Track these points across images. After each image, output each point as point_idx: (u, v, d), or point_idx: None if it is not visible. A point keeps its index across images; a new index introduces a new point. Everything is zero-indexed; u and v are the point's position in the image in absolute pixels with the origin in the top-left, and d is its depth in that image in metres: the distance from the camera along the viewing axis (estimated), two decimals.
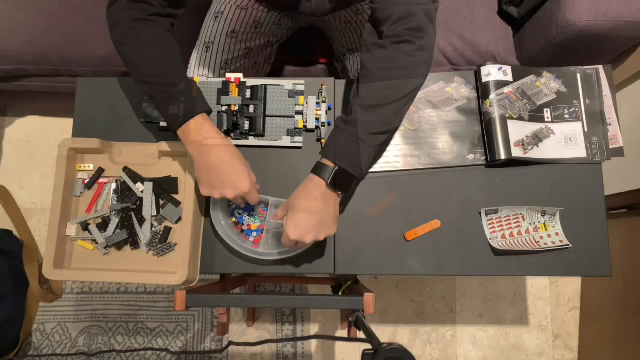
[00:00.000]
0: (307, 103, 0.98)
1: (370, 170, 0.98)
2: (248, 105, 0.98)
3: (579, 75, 1.02)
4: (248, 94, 0.99)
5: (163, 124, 0.99)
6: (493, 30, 1.38)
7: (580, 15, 1.13)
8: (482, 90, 1.00)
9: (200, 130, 0.82)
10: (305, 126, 0.98)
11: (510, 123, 0.96)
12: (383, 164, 0.99)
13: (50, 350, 1.73)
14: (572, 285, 1.78)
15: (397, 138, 1.00)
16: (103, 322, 1.75)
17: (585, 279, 1.76)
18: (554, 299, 1.78)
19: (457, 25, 1.38)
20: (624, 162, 1.39)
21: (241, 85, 0.99)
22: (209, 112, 0.85)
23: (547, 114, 1.00)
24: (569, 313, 1.77)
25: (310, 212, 0.79)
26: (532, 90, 1.01)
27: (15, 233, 1.74)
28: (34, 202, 1.84)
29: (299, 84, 1.00)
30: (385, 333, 1.76)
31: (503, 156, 0.94)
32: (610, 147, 0.99)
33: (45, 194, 1.85)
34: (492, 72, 0.99)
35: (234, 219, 0.96)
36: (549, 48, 1.25)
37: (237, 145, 0.97)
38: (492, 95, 0.98)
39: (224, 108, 0.98)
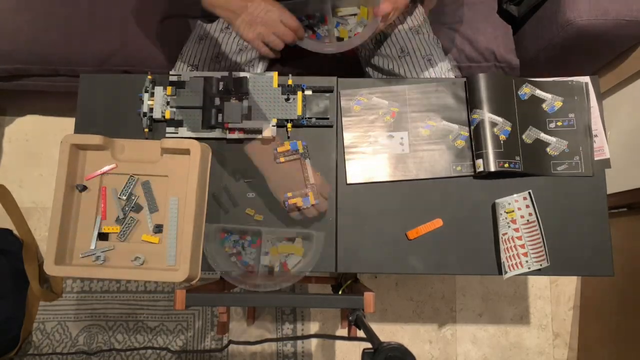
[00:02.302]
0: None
1: (376, 180, 0.98)
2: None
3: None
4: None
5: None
6: (493, 28, 1.38)
7: (580, 14, 1.14)
8: (471, 101, 0.98)
9: None
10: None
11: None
12: (389, 175, 0.98)
13: (50, 349, 1.72)
14: (572, 284, 1.78)
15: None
16: (103, 321, 1.74)
17: (584, 278, 1.76)
18: (554, 298, 1.78)
19: (457, 22, 1.38)
20: (623, 161, 1.40)
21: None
22: None
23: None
24: (569, 312, 1.77)
25: None
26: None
27: (15, 232, 1.73)
28: (34, 202, 1.84)
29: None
30: (385, 332, 1.76)
31: (492, 169, 0.93)
32: (596, 158, 0.98)
33: (45, 193, 1.85)
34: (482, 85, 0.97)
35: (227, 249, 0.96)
36: (549, 47, 1.25)
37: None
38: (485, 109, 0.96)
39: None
